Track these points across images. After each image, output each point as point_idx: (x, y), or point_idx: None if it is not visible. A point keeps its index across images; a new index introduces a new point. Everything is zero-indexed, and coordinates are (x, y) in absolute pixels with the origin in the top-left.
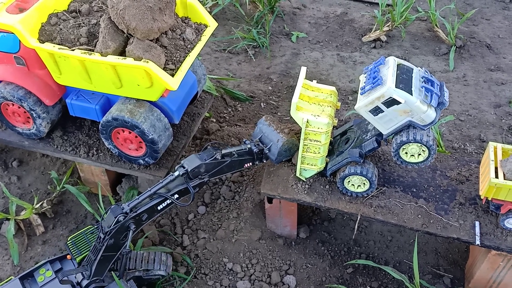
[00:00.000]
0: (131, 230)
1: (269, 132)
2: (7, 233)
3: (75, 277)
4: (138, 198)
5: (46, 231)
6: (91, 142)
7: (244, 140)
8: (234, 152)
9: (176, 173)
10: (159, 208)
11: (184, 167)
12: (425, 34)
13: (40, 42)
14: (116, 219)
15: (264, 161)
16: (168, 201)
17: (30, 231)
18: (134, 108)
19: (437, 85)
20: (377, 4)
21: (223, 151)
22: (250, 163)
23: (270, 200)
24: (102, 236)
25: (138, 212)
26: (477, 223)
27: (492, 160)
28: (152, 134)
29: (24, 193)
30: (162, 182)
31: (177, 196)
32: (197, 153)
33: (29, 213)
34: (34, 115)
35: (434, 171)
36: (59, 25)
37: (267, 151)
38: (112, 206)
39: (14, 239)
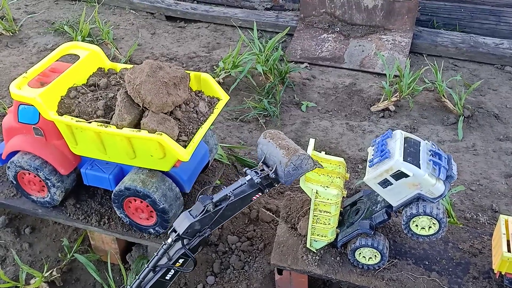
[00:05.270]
0: None
1: (271, 151)
2: None
3: None
4: (138, 278)
5: None
6: (103, 210)
7: (244, 170)
8: (229, 194)
9: (169, 240)
10: (167, 277)
11: (175, 231)
12: (433, 104)
13: (59, 115)
14: None
15: (276, 185)
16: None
17: None
18: (146, 178)
19: (445, 158)
20: (385, 75)
21: (216, 198)
22: (260, 194)
23: (280, 272)
24: None
25: None
26: None
27: (504, 234)
28: (163, 204)
29: (35, 261)
30: (158, 253)
31: (183, 260)
32: (189, 209)
33: (38, 282)
34: (49, 184)
35: (446, 243)
36: (78, 98)
37: (273, 176)
38: None
39: None
